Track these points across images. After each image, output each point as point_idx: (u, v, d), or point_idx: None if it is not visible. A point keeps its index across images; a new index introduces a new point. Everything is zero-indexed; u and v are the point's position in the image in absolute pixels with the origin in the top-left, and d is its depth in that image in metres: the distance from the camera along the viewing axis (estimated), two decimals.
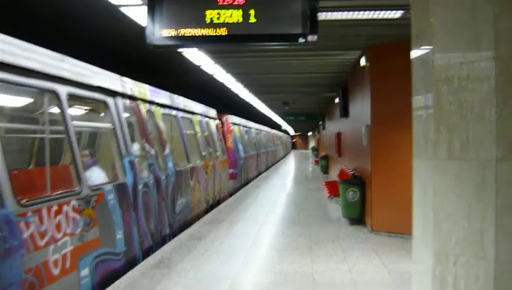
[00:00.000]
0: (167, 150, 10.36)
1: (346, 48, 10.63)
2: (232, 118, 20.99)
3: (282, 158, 52.07)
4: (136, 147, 8.94)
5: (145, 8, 6.54)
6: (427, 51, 3.83)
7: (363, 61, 10.46)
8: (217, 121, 17.31)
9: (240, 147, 21.62)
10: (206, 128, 14.82)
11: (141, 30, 6.79)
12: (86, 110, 8.64)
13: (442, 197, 3.53)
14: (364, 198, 11.06)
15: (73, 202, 6.19)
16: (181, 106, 12.11)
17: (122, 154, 8.08)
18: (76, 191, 6.39)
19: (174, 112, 11.55)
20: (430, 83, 3.69)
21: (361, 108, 11.47)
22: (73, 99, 6.97)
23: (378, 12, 7.60)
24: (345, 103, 14.86)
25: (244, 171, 22.03)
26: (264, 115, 34.99)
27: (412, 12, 4.30)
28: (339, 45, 10.26)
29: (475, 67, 3.37)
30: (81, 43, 11.78)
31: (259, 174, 28.24)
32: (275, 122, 46.06)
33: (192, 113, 13.38)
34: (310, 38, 6.22)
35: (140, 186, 8.53)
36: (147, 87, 9.75)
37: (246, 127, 25.39)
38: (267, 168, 33.73)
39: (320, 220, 11.88)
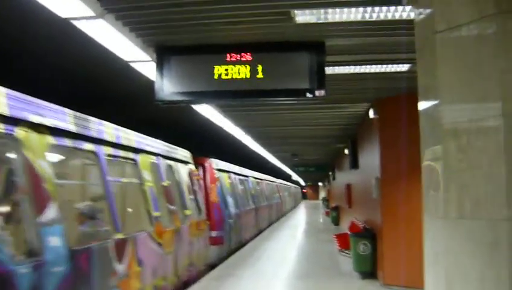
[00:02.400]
0: (51, 213, 5.45)
1: (354, 101, 10.65)
2: (218, 164, 15.86)
3: (290, 211, 48.59)
4: None
5: (153, 65, 6.63)
6: (434, 106, 3.81)
7: (371, 114, 10.47)
8: (191, 167, 12.38)
9: (230, 201, 16.73)
10: (165, 175, 9.87)
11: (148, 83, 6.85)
12: None
13: (454, 257, 3.44)
14: (376, 251, 10.88)
15: None
16: (107, 137, 7.28)
17: None
18: None
19: (87, 146, 6.76)
20: (438, 139, 3.66)
21: (371, 160, 11.41)
22: None
23: (385, 66, 7.63)
24: (355, 154, 14.81)
25: (235, 232, 16.94)
26: (274, 166, 34.92)
27: (418, 68, 4.31)
28: (347, 98, 10.28)
29: (483, 124, 3.33)
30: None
31: (260, 232, 23.24)
32: (285, 173, 45.97)
33: (136, 151, 8.40)
34: (318, 93, 6.25)
35: None
36: None
37: (240, 175, 20.42)
38: (271, 224, 28.86)
39: (331, 274, 11.67)
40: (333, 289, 9.95)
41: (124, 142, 7.93)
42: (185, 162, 11.86)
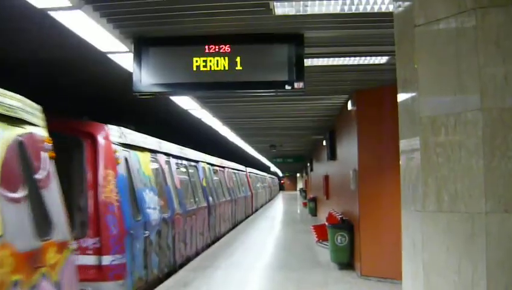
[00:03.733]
0: None
1: (332, 93, 10.68)
2: (126, 136, 8.88)
3: (265, 203, 43.81)
4: None
5: (131, 56, 6.56)
6: (413, 100, 3.82)
7: (349, 106, 10.51)
8: (36, 132, 4.99)
9: (151, 198, 9.50)
10: None
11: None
12: None
13: (432, 250, 3.47)
14: (353, 242, 10.95)
15: None
16: None
17: None
18: None
19: None
20: (417, 132, 3.67)
21: (349, 151, 11.46)
22: None
23: (363, 58, 7.65)
24: (333, 145, 14.88)
25: (159, 252, 9.66)
26: (254, 158, 34.90)
27: (396, 61, 4.31)
28: (326, 90, 10.30)
29: (462, 119, 3.35)
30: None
31: (215, 241, 16.38)
32: (263, 164, 46.01)
33: None
34: (297, 85, 6.25)
35: None
36: None
37: (181, 159, 13.21)
38: (235, 226, 22.16)
39: (309, 265, 11.73)
40: (311, 279, 9.99)
41: None
42: (14, 121, 4.55)
